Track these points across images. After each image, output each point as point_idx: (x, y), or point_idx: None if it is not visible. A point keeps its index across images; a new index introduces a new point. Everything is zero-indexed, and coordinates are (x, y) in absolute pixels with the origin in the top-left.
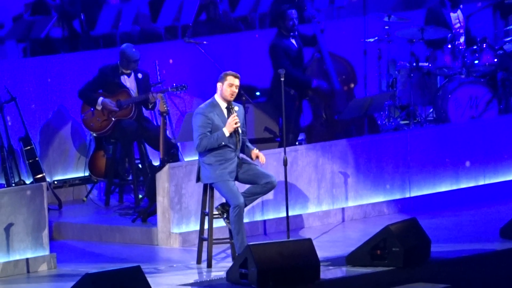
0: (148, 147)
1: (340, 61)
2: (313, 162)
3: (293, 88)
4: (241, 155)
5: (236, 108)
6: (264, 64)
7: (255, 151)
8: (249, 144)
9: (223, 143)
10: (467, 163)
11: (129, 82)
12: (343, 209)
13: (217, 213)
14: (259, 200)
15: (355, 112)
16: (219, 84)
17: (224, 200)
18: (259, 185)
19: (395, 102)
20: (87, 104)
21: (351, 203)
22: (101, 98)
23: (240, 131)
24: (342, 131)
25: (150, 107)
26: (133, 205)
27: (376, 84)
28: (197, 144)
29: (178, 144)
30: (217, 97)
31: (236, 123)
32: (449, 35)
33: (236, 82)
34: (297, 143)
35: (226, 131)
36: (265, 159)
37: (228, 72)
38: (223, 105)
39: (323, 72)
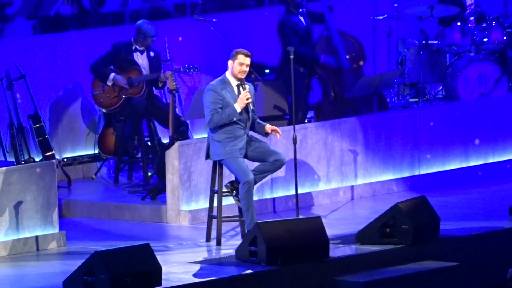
0: (157, 125)
1: (349, 38)
2: (322, 140)
3: (302, 66)
4: (251, 132)
5: (247, 86)
6: (273, 42)
7: (269, 126)
8: (260, 121)
9: (234, 119)
10: (477, 141)
11: (141, 59)
12: (352, 187)
13: (226, 190)
14: (268, 178)
15: (364, 90)
16: (230, 62)
17: (233, 178)
18: (268, 163)
19: (404, 79)
20: (98, 79)
21: (360, 181)
22: (112, 74)
23: (250, 108)
24: (351, 109)
25: (160, 86)
26: (142, 183)
27: (385, 62)
28: (208, 119)
29: (188, 121)
30: (228, 74)
31: (247, 99)
32: (467, 11)
33: (247, 61)
34: (306, 121)
35: (238, 107)
36: (280, 133)
37: (239, 50)
38: (234, 82)
39: (332, 50)
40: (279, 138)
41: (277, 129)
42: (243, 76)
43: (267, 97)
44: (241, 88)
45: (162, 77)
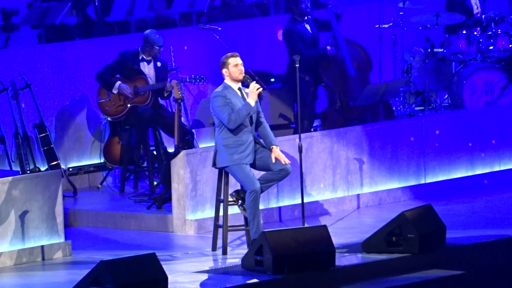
0: (163, 134)
1: (355, 47)
2: (328, 149)
3: (309, 74)
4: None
5: (247, 90)
6: (278, 50)
7: (275, 150)
8: (270, 132)
9: (251, 112)
10: (493, 141)
11: (148, 69)
12: (358, 195)
13: (232, 200)
14: (274, 187)
15: (370, 98)
16: (224, 70)
17: (239, 187)
18: (274, 172)
19: (410, 88)
20: (104, 87)
21: (366, 190)
22: (118, 82)
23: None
24: (357, 117)
25: (165, 95)
26: (148, 192)
27: (391, 70)
28: (227, 121)
29: (193, 130)
30: (227, 81)
31: (258, 89)
32: (479, 16)
33: (239, 60)
34: (312, 130)
35: (251, 101)
36: (288, 162)
37: (227, 55)
38: (235, 86)
39: (338, 58)
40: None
41: (282, 156)
42: (242, 76)
43: (273, 106)
44: (243, 91)
45: (168, 86)
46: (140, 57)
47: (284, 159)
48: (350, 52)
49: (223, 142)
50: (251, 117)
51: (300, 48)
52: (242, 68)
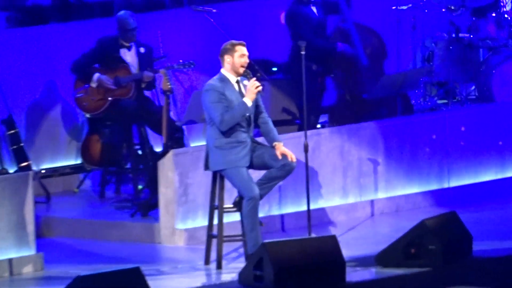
0: (149, 131)
1: (368, 32)
2: (338, 148)
3: (315, 62)
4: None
5: (246, 82)
6: (281, 35)
7: (280, 147)
8: (273, 128)
9: (247, 114)
10: None
11: (129, 56)
12: (372, 201)
13: (231, 207)
14: (275, 192)
15: (385, 91)
16: (227, 57)
17: (236, 192)
18: (275, 169)
19: (431, 78)
20: (81, 80)
21: (381, 195)
22: (97, 74)
23: (251, 113)
24: (371, 112)
25: (143, 86)
26: (132, 197)
27: (410, 58)
28: (218, 121)
29: (184, 127)
30: (224, 71)
31: (256, 87)
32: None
33: (246, 51)
34: (319, 126)
35: (248, 100)
36: (295, 158)
37: (233, 41)
38: (233, 79)
39: (348, 45)
40: (293, 163)
41: (288, 152)
42: (243, 70)
43: (275, 99)
44: (241, 84)
45: (145, 77)
46: (120, 44)
47: (291, 155)
48: (363, 39)
49: (214, 143)
50: (248, 117)
51: (305, 33)
52: (247, 61)
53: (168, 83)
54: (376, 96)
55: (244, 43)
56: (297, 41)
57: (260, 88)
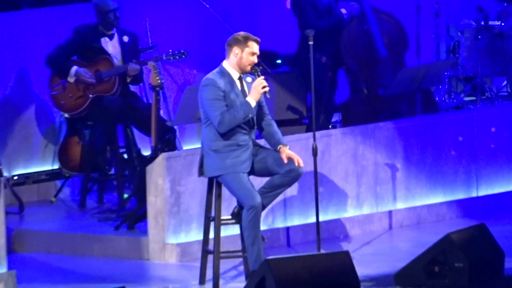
0: (136, 132)
1: (386, 19)
2: (351, 151)
3: (326, 54)
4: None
5: (249, 79)
6: (287, 23)
7: (285, 150)
8: (277, 131)
9: (249, 115)
10: None
11: (111, 46)
12: (390, 212)
13: (229, 219)
14: (280, 200)
15: (405, 86)
16: (235, 49)
17: (235, 201)
18: (280, 175)
19: (457, 72)
20: (57, 75)
21: (400, 205)
22: (75, 68)
23: (254, 114)
24: (388, 110)
25: (128, 81)
26: (116, 207)
27: (433, 49)
28: (218, 122)
29: (176, 127)
30: (227, 65)
31: (263, 87)
32: None
33: (258, 49)
34: (330, 126)
35: (252, 100)
36: (302, 163)
37: (248, 34)
38: (235, 75)
39: (364, 33)
40: (300, 168)
41: (295, 157)
42: (250, 68)
43: (280, 96)
44: (243, 81)
45: (130, 70)
46: (100, 31)
47: (298, 160)
48: (380, 26)
49: (211, 146)
50: (251, 118)
51: (312, 20)
52: (256, 61)
53: (158, 77)
54: (395, 92)
55: (259, 40)
56: (305, 30)
57: (268, 89)
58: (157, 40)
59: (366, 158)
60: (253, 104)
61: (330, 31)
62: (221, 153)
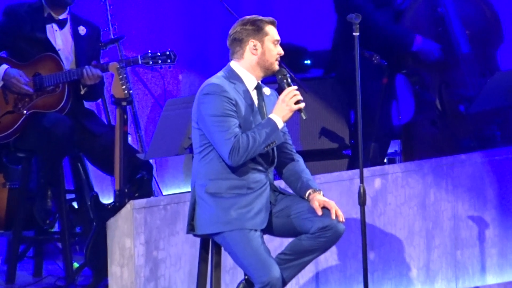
0: (91, 168)
1: (470, 1)
2: (418, 198)
3: (378, 52)
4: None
5: (267, 90)
6: (318, 6)
7: (318, 197)
8: (304, 168)
9: (275, 142)
10: None
11: (61, 39)
12: None
13: None
14: (309, 271)
15: (499, 99)
16: (251, 43)
17: (242, 273)
18: (310, 235)
19: None
20: None
21: (491, 279)
22: (3, 67)
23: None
24: (474, 136)
25: (82, 92)
26: (62, 283)
27: None
28: (229, 149)
29: (151, 160)
30: (239, 68)
31: (297, 102)
32: None
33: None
34: (386, 160)
35: (279, 120)
36: (343, 217)
37: (258, 17)
38: (252, 82)
39: (435, 22)
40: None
41: (334, 207)
42: (278, 68)
43: (311, 115)
44: (263, 91)
45: (86, 76)
46: (45, 15)
47: (337, 211)
48: (461, 11)
49: (208, 187)
50: (272, 149)
51: (362, 7)
52: (282, 52)
53: (124, 86)
54: (483, 109)
55: (275, 20)
56: (346, 16)
57: (303, 104)
58: (123, 29)
59: (440, 209)
60: (280, 124)
61: (385, 37)
62: (223, 199)
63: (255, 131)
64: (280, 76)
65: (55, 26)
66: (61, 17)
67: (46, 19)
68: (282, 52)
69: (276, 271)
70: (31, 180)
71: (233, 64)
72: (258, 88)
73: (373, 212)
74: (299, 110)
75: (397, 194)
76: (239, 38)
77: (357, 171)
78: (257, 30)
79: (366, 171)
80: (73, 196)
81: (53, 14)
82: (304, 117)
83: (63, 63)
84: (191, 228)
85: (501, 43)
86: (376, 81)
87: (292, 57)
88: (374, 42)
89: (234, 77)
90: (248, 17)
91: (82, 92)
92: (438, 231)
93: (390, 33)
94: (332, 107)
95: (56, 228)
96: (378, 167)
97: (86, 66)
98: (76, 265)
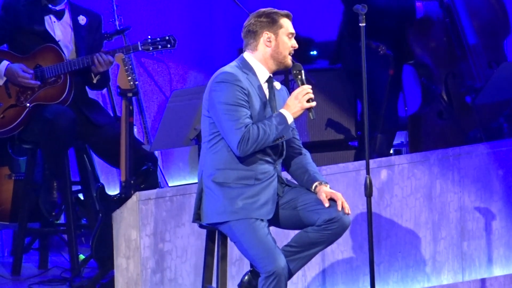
0: (97, 160)
1: None
2: (424, 189)
3: (385, 41)
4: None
5: (277, 84)
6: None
7: (324, 189)
8: (310, 161)
9: (284, 137)
10: None
11: (60, 30)
12: (483, 281)
13: None
14: (315, 263)
15: (506, 90)
16: (265, 35)
17: (248, 264)
18: (316, 227)
19: None
20: None
21: (498, 271)
22: (5, 63)
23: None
24: (480, 127)
25: (95, 81)
26: (68, 274)
27: None
28: (238, 139)
29: (157, 152)
30: (252, 59)
31: (309, 100)
32: None
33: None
34: (392, 151)
35: (290, 115)
36: (349, 209)
37: (273, 10)
38: (264, 75)
39: (443, 10)
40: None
41: (341, 198)
42: (292, 62)
43: (317, 106)
44: (274, 85)
45: (98, 64)
46: (43, 5)
47: (343, 203)
48: (468, 0)
49: (215, 177)
50: (281, 143)
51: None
52: (296, 45)
53: (130, 77)
54: (490, 100)
55: (290, 14)
56: (352, 6)
57: (314, 103)
58: (128, 21)
59: (446, 200)
60: (290, 120)
61: (395, 17)
62: (230, 188)
63: (266, 124)
64: (295, 72)
65: (53, 17)
66: (59, 7)
67: (43, 11)
68: (297, 46)
69: (282, 261)
70: (36, 172)
71: (247, 55)
72: (269, 81)
73: (380, 203)
74: (309, 109)
75: (404, 186)
76: (254, 30)
77: (363, 162)
78: (272, 23)
79: (373, 163)
80: (79, 187)
81: (51, 5)
82: (312, 117)
83: (64, 54)
84: (197, 217)
85: (508, 34)
86: (383, 72)
87: (298, 48)
88: (383, 26)
89: (247, 67)
90: (263, 9)
91: (94, 81)
92: (444, 222)
93: (400, 6)
94: (339, 98)
95: (62, 220)
96: (384, 158)
97: (97, 53)
98: (82, 257)
